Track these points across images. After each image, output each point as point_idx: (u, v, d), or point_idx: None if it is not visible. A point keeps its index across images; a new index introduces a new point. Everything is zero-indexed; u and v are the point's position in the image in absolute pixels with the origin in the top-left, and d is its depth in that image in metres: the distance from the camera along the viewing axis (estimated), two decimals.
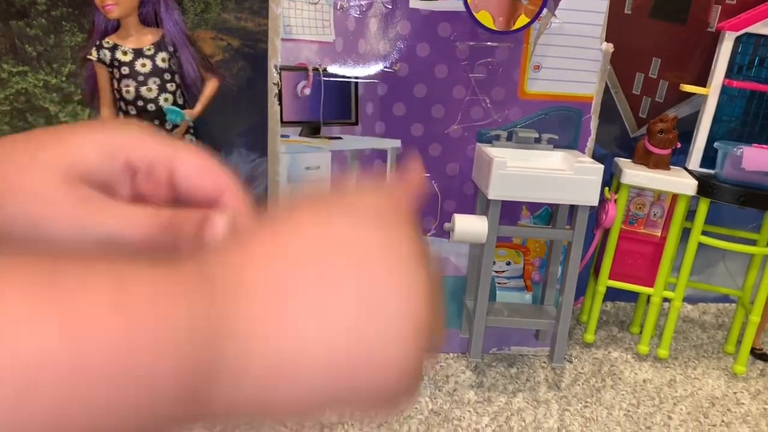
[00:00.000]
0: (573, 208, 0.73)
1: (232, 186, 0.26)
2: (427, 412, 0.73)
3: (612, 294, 0.96)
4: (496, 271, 0.81)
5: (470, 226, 0.68)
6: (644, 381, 0.82)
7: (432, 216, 0.79)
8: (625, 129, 0.90)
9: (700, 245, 0.81)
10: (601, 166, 0.67)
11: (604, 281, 0.85)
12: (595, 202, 0.68)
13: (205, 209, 0.27)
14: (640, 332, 0.93)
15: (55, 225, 0.26)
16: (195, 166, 0.26)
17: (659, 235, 0.84)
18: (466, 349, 0.84)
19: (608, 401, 0.77)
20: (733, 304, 1.05)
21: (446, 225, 0.70)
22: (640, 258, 0.84)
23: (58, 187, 0.26)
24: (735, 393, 0.81)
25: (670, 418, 0.75)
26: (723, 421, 0.75)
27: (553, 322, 0.74)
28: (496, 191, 0.67)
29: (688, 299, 1.03)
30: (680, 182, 0.78)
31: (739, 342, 0.91)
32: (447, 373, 0.80)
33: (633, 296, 0.98)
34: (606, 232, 0.85)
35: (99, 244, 0.25)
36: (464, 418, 0.73)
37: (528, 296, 0.81)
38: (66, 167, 0.26)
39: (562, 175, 0.68)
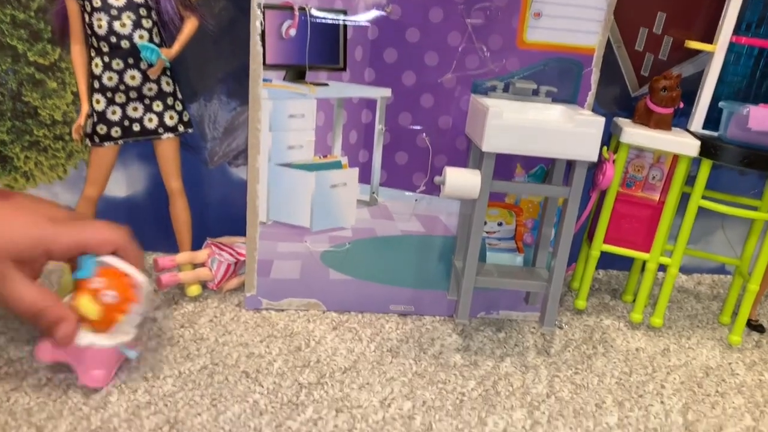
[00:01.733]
0: (570, 167, 0.69)
1: (122, 248, 0.61)
2: (411, 374, 0.70)
3: (605, 261, 0.94)
4: (487, 232, 0.77)
5: (462, 179, 0.64)
6: (637, 349, 0.79)
7: (422, 171, 0.75)
8: (626, 87, 0.86)
9: (699, 212, 0.78)
10: (602, 119, 0.64)
11: (599, 245, 0.81)
12: (595, 158, 0.64)
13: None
14: (634, 300, 0.90)
15: None
16: (96, 242, 0.59)
17: (657, 199, 0.81)
18: (453, 311, 0.81)
19: (599, 369, 0.74)
20: (729, 276, 1.02)
21: (437, 179, 0.66)
22: (637, 222, 0.80)
23: None
24: (730, 363, 0.78)
25: (663, 387, 0.72)
26: (717, 391, 0.72)
27: (545, 285, 0.71)
28: (490, 143, 0.63)
29: (683, 269, 1.00)
30: (682, 142, 0.74)
31: (734, 313, 0.88)
32: (432, 336, 0.77)
33: (626, 264, 0.95)
34: (602, 195, 0.82)
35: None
36: (449, 381, 0.69)
37: (519, 258, 0.77)
38: (2, 250, 0.54)
39: (561, 127, 0.64)
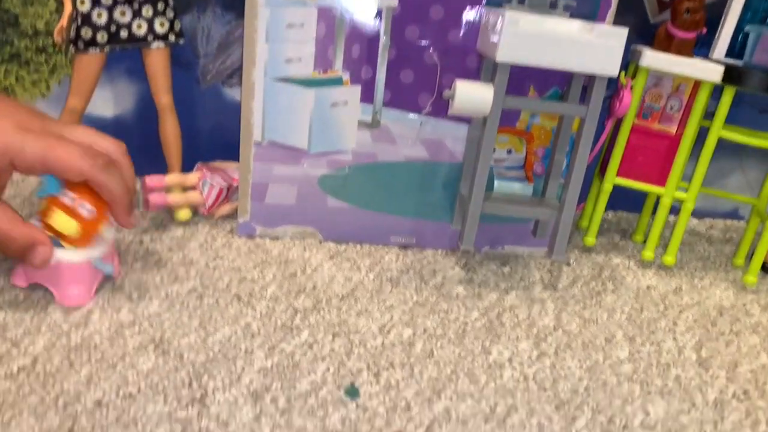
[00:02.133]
0: (585, 90, 0.65)
1: (90, 179, 0.53)
2: (411, 303, 0.66)
3: (614, 202, 0.90)
4: (496, 160, 0.73)
5: (473, 93, 0.60)
6: (648, 287, 0.75)
7: (428, 92, 0.70)
8: (645, 14, 0.81)
9: (716, 153, 0.74)
10: (625, 30, 0.59)
11: (612, 178, 0.77)
12: (615, 72, 0.60)
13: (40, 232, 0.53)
14: (644, 241, 0.86)
15: None
16: (61, 167, 0.51)
17: (674, 131, 0.76)
18: (456, 245, 0.77)
19: (609, 304, 0.71)
20: (742, 222, 0.99)
21: (446, 92, 0.62)
22: (653, 155, 0.76)
23: None
24: (744, 304, 0.75)
25: (675, 324, 0.69)
26: (732, 330, 0.69)
27: (555, 213, 0.67)
28: (505, 52, 0.58)
29: (694, 213, 0.96)
30: (705, 67, 0.70)
31: (749, 256, 0.85)
32: (434, 268, 0.73)
33: (637, 205, 0.91)
34: (616, 127, 0.77)
35: None
36: (452, 311, 0.66)
37: (529, 188, 0.73)
38: None
39: (581, 38, 0.59)
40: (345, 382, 0.55)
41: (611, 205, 0.93)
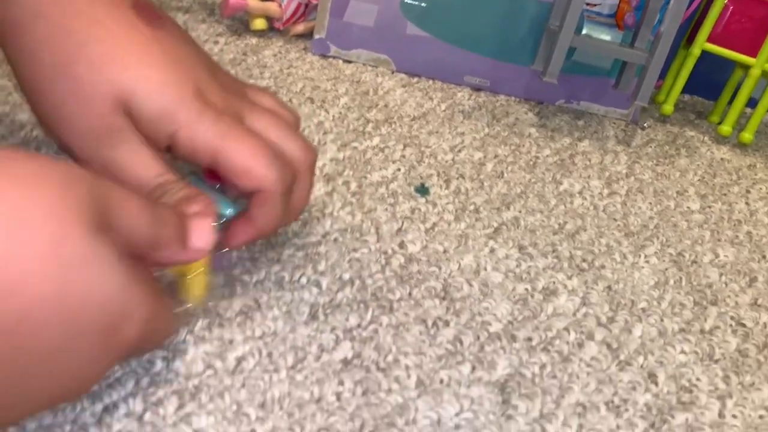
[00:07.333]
0: None
1: (265, 192, 0.32)
2: (483, 134, 0.65)
3: (691, 86, 0.86)
4: (587, 4, 0.70)
5: None
6: (722, 159, 0.73)
7: None
8: None
9: None
10: None
11: (701, 43, 0.74)
12: None
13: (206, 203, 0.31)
14: (720, 122, 0.83)
15: (78, 138, 0.31)
16: (237, 167, 0.32)
17: None
18: (532, 93, 0.75)
19: (682, 166, 0.69)
20: None
21: None
22: (748, 23, 0.73)
23: (102, 113, 0.31)
24: None
25: (748, 192, 0.67)
26: None
27: (646, 56, 0.64)
28: None
29: None
30: None
31: None
32: (507, 110, 0.72)
33: (715, 93, 0.88)
34: None
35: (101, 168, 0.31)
36: (524, 145, 0.65)
37: (618, 36, 0.70)
38: (121, 100, 0.30)
39: None
40: (415, 182, 0.54)
41: (688, 89, 0.89)
